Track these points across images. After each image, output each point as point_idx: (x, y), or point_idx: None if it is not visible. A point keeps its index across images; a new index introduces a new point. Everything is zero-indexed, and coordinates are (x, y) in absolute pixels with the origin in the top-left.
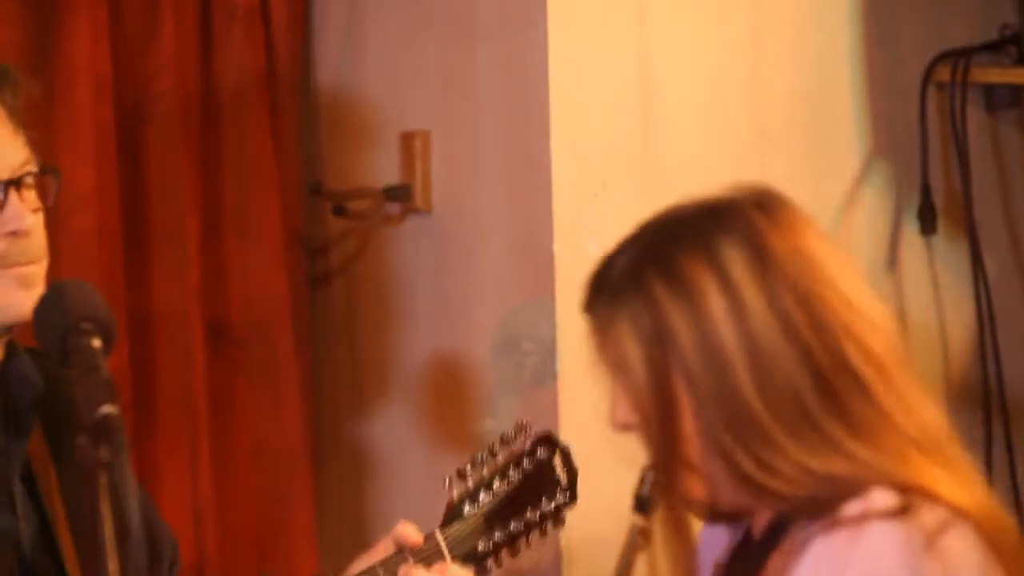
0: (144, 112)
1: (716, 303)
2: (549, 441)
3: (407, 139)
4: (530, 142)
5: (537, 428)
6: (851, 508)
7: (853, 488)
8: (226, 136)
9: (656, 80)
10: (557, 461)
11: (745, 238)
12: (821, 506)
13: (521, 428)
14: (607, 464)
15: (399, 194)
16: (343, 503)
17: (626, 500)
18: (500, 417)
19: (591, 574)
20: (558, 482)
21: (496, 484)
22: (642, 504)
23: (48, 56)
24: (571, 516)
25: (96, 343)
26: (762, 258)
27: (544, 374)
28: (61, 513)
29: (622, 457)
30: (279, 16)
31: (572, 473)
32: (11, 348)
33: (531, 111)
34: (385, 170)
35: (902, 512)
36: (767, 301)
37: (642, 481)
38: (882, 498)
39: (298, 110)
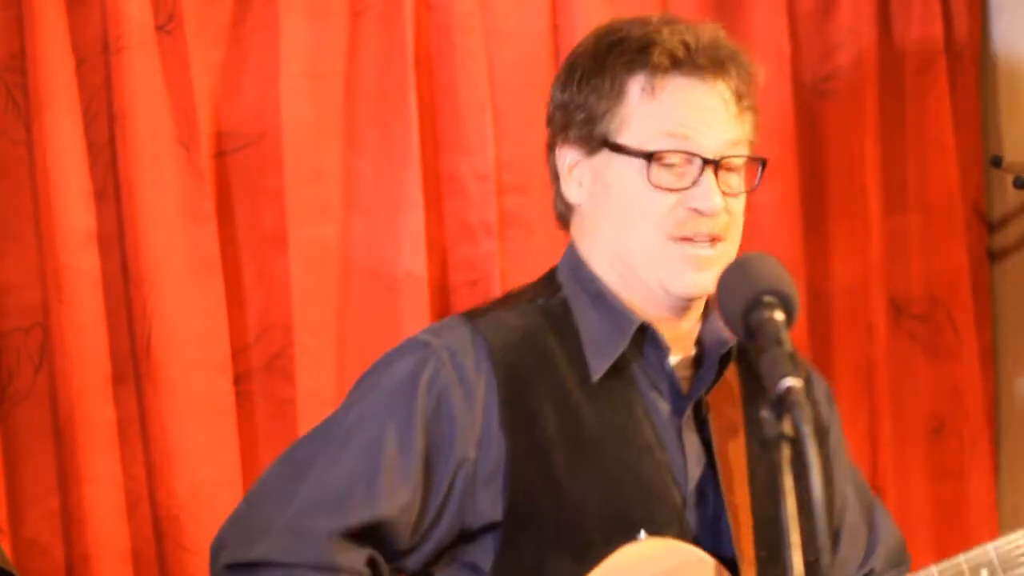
0: (822, 88)
1: None
2: None
3: None
4: None
5: None
6: None
7: None
8: (905, 110)
9: None
10: None
11: None
12: None
13: None
14: None
15: None
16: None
17: None
18: None
19: None
20: None
21: None
22: None
23: (729, 31)
24: None
25: (779, 316)
26: None
27: None
28: (734, 466)
29: None
30: None
31: None
32: (707, 310)
33: None
34: None
35: None
36: None
37: None
38: None
39: (977, 82)
